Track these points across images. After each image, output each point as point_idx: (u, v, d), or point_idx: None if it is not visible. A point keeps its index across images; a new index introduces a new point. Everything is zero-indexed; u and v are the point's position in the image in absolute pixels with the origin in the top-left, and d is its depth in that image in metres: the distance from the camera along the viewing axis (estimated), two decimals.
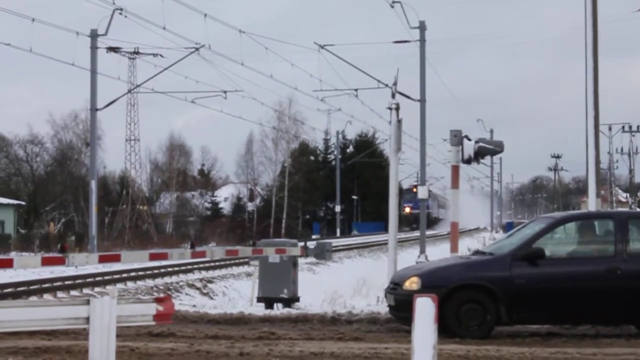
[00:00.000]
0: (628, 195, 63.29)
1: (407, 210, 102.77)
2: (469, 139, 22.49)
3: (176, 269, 31.31)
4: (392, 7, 34.34)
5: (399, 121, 20.79)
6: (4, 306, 11.95)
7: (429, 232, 67.39)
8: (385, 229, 70.20)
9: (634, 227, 16.87)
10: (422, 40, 34.71)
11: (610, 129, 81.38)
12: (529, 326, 15.95)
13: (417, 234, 55.23)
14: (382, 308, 18.25)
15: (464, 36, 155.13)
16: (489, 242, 25.71)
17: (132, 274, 29.84)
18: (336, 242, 45.12)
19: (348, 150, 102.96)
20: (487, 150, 24.82)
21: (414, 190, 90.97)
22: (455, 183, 24.42)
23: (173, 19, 38.11)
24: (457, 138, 22.93)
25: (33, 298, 21.27)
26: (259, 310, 20.32)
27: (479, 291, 15.26)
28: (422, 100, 34.28)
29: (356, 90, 42.47)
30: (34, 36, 35.22)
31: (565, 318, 15.63)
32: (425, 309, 9.11)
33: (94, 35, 42.55)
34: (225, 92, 45.77)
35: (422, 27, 34.73)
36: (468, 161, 22.98)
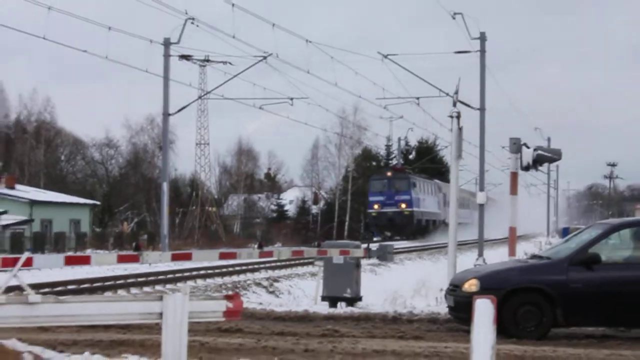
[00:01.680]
0: None
1: (376, 207, 74.94)
2: (528, 147, 22.42)
3: (244, 267, 31.40)
4: (454, 18, 34.36)
5: (460, 129, 20.74)
6: (81, 301, 11.95)
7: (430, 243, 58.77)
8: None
9: None
10: (483, 51, 34.47)
11: None
12: (585, 328, 15.59)
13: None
14: (442, 308, 18.05)
15: (526, 46, 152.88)
16: (546, 247, 25.60)
17: (202, 272, 29.99)
18: (397, 244, 45.20)
19: (410, 157, 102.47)
20: (545, 157, 24.71)
21: (388, 174, 74.69)
22: (514, 189, 24.28)
23: (242, 28, 38.33)
24: (516, 146, 22.88)
25: (108, 293, 21.39)
26: (323, 308, 20.20)
27: (536, 294, 15.07)
28: (482, 109, 34.03)
29: (418, 98, 42.23)
30: (110, 43, 35.67)
31: (620, 321, 15.32)
32: (484, 310, 9.01)
33: (167, 43, 42.76)
34: (291, 99, 45.68)
35: (482, 38, 34.45)
36: (526, 168, 22.89)
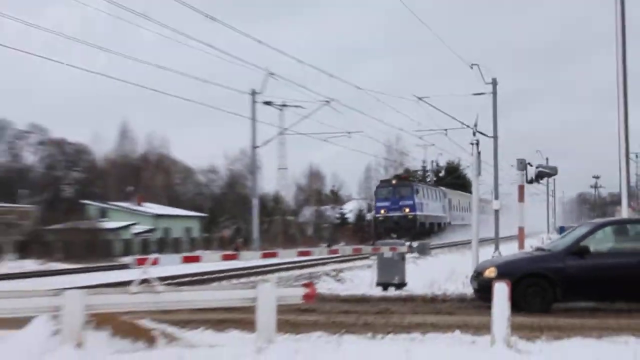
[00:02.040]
0: None
1: (382, 212, 67.07)
2: (531, 165, 22.98)
3: (316, 262, 31.97)
4: (472, 68, 35.01)
5: (479, 153, 21.47)
6: (195, 290, 12.89)
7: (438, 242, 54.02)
8: None
9: None
10: (495, 93, 34.77)
11: (637, 156, 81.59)
12: (579, 303, 15.97)
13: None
14: (468, 290, 18.26)
15: (530, 86, 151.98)
16: (547, 242, 25.55)
17: (284, 266, 30.51)
18: (433, 242, 45.18)
19: (440, 174, 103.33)
20: (545, 173, 25.49)
21: (393, 182, 66.79)
22: (521, 198, 24.77)
23: (311, 79, 39.39)
24: (522, 164, 23.74)
25: (214, 284, 21.72)
26: (377, 292, 20.33)
27: (540, 278, 15.60)
28: (495, 137, 34.30)
29: (446, 130, 42.54)
30: (207, 92, 36.66)
31: (606, 297, 15.75)
32: (501, 291, 10.04)
33: (253, 93, 44.81)
34: (349, 132, 47.26)
35: (494, 83, 34.84)
36: (530, 182, 23.49)
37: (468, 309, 15.92)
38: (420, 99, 36.85)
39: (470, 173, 27.21)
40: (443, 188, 78.93)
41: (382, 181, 68.87)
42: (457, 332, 11.51)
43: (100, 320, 9.85)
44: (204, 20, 27.11)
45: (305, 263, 31.42)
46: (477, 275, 16.60)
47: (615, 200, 25.11)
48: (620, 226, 17.62)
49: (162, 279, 16.34)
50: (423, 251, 24.11)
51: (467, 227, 65.35)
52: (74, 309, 9.36)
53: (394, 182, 65.34)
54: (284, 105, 46.34)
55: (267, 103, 45.21)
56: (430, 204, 68.68)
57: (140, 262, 12.52)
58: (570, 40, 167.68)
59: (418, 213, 62.71)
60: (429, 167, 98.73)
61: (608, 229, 17.04)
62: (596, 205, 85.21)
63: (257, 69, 35.54)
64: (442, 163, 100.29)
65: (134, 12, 26.16)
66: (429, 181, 76.83)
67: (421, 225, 64.13)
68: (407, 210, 62.16)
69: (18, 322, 9.70)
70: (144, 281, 10.78)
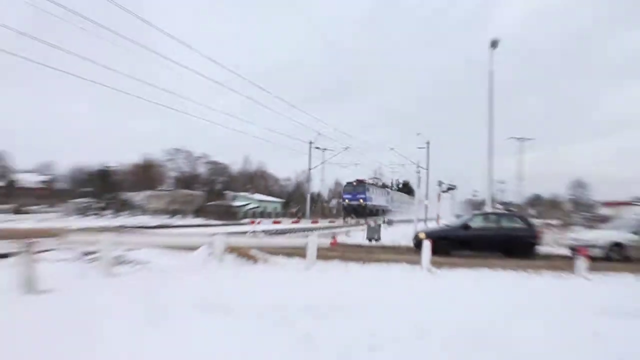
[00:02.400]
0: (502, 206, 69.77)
1: (347, 201, 71.42)
2: (443, 183, 28.21)
3: (337, 226, 31.94)
4: (417, 134, 41.18)
5: (419, 177, 27.28)
6: (278, 237, 15.29)
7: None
8: None
9: (503, 217, 20.81)
10: (428, 147, 39.69)
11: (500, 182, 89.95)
12: (463, 252, 18.57)
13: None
14: (411, 243, 20.51)
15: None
16: (449, 222, 29.43)
17: (321, 228, 30.65)
18: (394, 219, 48.89)
19: (400, 186, 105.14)
20: (450, 187, 30.99)
21: (354, 183, 70.73)
22: (438, 199, 29.91)
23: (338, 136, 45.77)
24: (440, 183, 29.47)
25: (287, 235, 22.90)
26: (366, 243, 23.42)
27: (446, 239, 18.77)
28: (427, 169, 39.51)
29: (403, 164, 57.35)
30: (289, 140, 43.07)
31: (477, 250, 18.79)
32: (427, 245, 12.75)
33: (310, 142, 58.44)
34: (356, 164, 63.93)
35: (428, 143, 40.40)
36: (443, 191, 28.50)
37: (411, 253, 18.00)
38: (392, 149, 44.53)
39: (415, 186, 32.70)
40: (388, 189, 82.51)
41: (347, 182, 73.09)
42: (404, 264, 13.85)
43: (231, 249, 12.78)
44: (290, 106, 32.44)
45: (332, 227, 32.04)
46: (416, 236, 19.93)
47: (484, 202, 29.43)
48: (485, 215, 20.91)
49: (263, 231, 19.06)
50: (390, 223, 28.18)
51: (400, 212, 76.97)
52: (219, 243, 12.27)
53: (354, 183, 69.76)
54: (325, 149, 59.01)
55: (317, 148, 57.91)
56: (377, 197, 73.59)
57: (252, 223, 16.76)
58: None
59: (368, 203, 67.61)
60: (393, 182, 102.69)
61: (479, 216, 20.57)
62: (474, 204, 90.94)
63: (313, 130, 42.77)
64: (401, 180, 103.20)
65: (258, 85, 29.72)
66: (381, 185, 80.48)
67: (370, 210, 67.54)
68: (361, 200, 67.17)
69: (193, 249, 12.88)
70: (253, 232, 14.81)
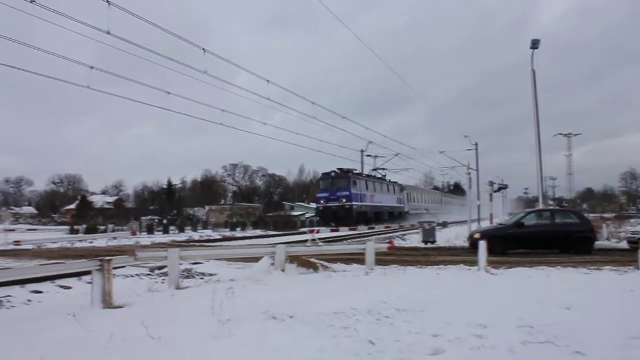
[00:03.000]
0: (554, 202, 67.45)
1: (322, 202, 48.26)
2: (495, 183, 27.77)
3: (393, 230, 33.07)
4: (465, 137, 41.01)
5: (470, 178, 27.32)
6: (336, 244, 15.47)
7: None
8: None
9: (557, 214, 20.57)
10: (477, 149, 39.07)
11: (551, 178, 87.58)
12: (519, 251, 18.39)
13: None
14: (466, 244, 21.14)
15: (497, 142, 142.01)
16: (503, 220, 28.97)
17: (378, 233, 31.35)
18: (450, 220, 44.73)
19: (451, 188, 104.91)
20: (502, 187, 30.15)
21: (332, 175, 48.48)
22: (490, 199, 29.18)
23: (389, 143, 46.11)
24: (491, 183, 28.31)
25: (345, 242, 23.22)
26: (422, 245, 23.50)
27: (501, 238, 18.40)
28: (477, 170, 38.74)
29: (454, 167, 49.09)
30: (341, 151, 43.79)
31: (532, 247, 18.60)
32: (482, 245, 12.52)
33: (362, 151, 56.64)
34: (407, 169, 59.49)
35: (477, 145, 39.49)
36: (495, 192, 28.03)
37: (467, 254, 17.98)
38: (441, 152, 43.39)
39: (466, 188, 32.09)
40: (399, 183, 61.03)
41: (323, 174, 52.66)
42: (462, 265, 14.06)
43: (292, 258, 12.86)
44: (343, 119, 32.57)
45: (388, 232, 32.65)
46: (471, 236, 19.90)
47: (536, 199, 28.82)
48: (538, 212, 20.63)
49: (322, 239, 18.93)
50: (445, 225, 28.19)
51: (421, 215, 56.98)
52: (281, 253, 12.52)
53: (332, 174, 49.09)
54: (376, 156, 57.73)
55: (368, 155, 56.95)
56: (378, 196, 53.18)
57: (311, 231, 16.87)
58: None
59: (356, 203, 46.28)
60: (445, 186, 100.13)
61: (532, 214, 20.23)
62: (526, 202, 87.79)
63: (363, 139, 42.62)
64: (452, 182, 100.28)
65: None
66: (387, 180, 58.41)
67: (361, 214, 46.37)
68: (344, 200, 46.22)
69: (257, 259, 13.08)
70: (313, 240, 14.85)
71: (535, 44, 25.35)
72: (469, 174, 29.66)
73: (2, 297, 9.99)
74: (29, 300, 9.92)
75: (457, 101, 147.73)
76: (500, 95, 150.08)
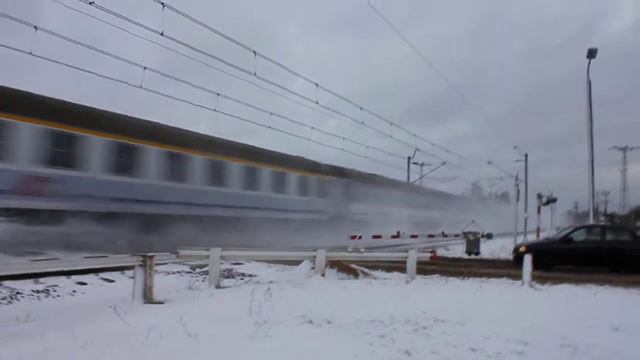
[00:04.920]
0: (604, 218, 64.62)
1: None
2: (543, 196, 27.22)
3: (435, 240, 32.74)
4: (514, 148, 40.24)
5: (518, 190, 27.72)
6: (378, 251, 15.00)
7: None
8: None
9: (609, 230, 19.84)
10: (526, 160, 38.63)
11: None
12: (566, 267, 17.78)
13: None
14: (510, 257, 20.01)
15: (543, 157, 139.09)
16: (550, 234, 28.38)
17: (421, 242, 30.87)
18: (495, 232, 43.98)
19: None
20: (550, 200, 29.35)
21: None
22: (538, 212, 28.83)
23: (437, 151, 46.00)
24: (539, 196, 27.90)
25: (387, 249, 23.53)
26: (465, 256, 23.34)
27: (547, 252, 18.01)
28: (526, 181, 38.49)
29: (502, 177, 47.39)
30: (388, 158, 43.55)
31: (580, 263, 18.00)
32: (527, 258, 12.34)
33: (409, 158, 54.18)
34: (454, 178, 58.94)
35: (526, 156, 39.24)
36: (543, 204, 27.51)
37: (510, 267, 17.71)
38: (489, 162, 42.73)
39: (513, 199, 31.38)
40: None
41: None
42: (505, 278, 13.91)
43: (332, 263, 12.93)
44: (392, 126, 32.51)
45: (431, 240, 30.81)
46: (516, 249, 19.44)
47: (586, 214, 28.13)
48: (588, 228, 20.11)
49: (363, 245, 19.07)
50: (489, 236, 27.74)
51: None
52: (321, 257, 12.52)
53: None
54: (422, 164, 56.42)
55: (415, 163, 55.66)
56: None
57: (352, 237, 16.86)
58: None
59: None
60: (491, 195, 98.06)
61: (582, 229, 19.75)
62: (576, 216, 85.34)
63: (410, 146, 41.89)
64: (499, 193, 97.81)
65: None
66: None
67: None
68: None
69: (297, 262, 13.15)
70: (354, 246, 14.85)
71: (592, 53, 24.80)
72: (517, 185, 29.02)
73: (50, 286, 10.40)
74: (74, 291, 10.31)
75: (510, 111, 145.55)
76: (554, 107, 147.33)
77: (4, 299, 9.27)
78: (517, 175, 31.30)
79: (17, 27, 14.33)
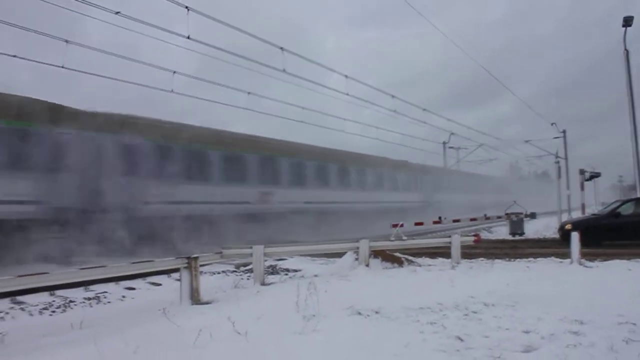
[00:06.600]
0: None
1: None
2: (586, 171, 26.37)
3: (478, 223, 32.94)
4: (552, 125, 38.66)
5: (559, 167, 27.81)
6: (421, 238, 15.25)
7: None
8: None
9: None
10: (565, 137, 37.30)
11: None
12: (615, 242, 17.53)
13: None
14: (556, 235, 20.64)
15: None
16: (596, 210, 27.75)
17: (463, 226, 30.80)
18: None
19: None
20: (594, 175, 28.31)
21: None
22: (582, 188, 27.83)
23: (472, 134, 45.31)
24: (582, 171, 26.91)
25: (429, 235, 21.49)
26: (509, 237, 23.15)
27: (595, 228, 17.78)
28: (566, 158, 36.73)
29: (541, 156, 45.93)
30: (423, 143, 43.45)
31: (629, 238, 17.54)
32: (574, 236, 12.24)
33: (444, 142, 53.52)
34: (491, 159, 56.01)
35: (564, 132, 37.73)
36: (586, 180, 26.65)
37: (557, 245, 17.66)
38: (527, 141, 41.62)
39: (554, 177, 30.56)
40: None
41: None
42: (552, 257, 13.74)
43: (376, 253, 12.86)
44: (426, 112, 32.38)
45: (473, 224, 30.66)
46: (561, 227, 19.19)
47: (632, 187, 27.34)
48: (636, 201, 19.44)
49: (405, 233, 18.36)
50: (533, 216, 27.25)
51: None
52: (364, 247, 12.53)
53: None
54: (459, 148, 54.41)
55: (450, 147, 54.06)
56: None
57: (394, 226, 16.81)
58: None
59: None
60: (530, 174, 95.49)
61: (629, 203, 19.17)
62: (622, 190, 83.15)
63: (447, 131, 41.70)
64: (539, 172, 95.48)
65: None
66: None
67: None
68: None
69: (340, 254, 13.15)
70: (396, 234, 14.80)
71: (627, 22, 24.11)
72: (557, 162, 28.41)
73: (99, 293, 10.66)
74: (123, 296, 10.53)
75: (547, 89, 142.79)
76: (594, 82, 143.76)
77: (58, 307, 9.59)
78: (557, 153, 30.56)
79: (54, 43, 14.61)
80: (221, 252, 10.85)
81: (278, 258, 15.27)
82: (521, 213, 24.93)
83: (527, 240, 21.43)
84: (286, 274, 12.94)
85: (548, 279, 9.92)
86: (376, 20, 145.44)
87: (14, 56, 14.82)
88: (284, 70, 19.58)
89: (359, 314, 7.08)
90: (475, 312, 7.02)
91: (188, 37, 16.09)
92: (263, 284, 10.84)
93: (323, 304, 7.26)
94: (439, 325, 6.32)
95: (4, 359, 5.65)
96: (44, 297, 10.28)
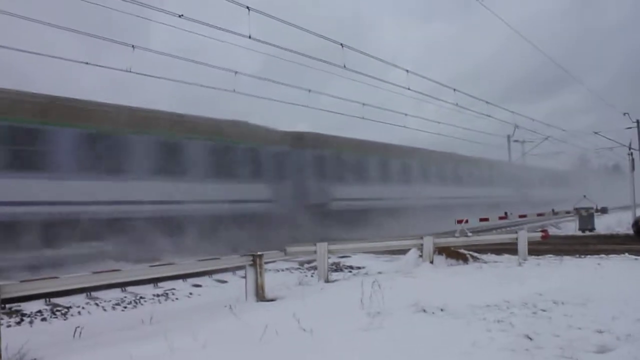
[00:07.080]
0: None
1: None
2: None
3: (545, 219, 31.81)
4: (624, 115, 36.70)
5: (633, 159, 25.86)
6: (486, 234, 14.63)
7: None
8: None
9: None
10: (638, 127, 35.74)
11: None
12: None
13: None
14: (630, 231, 20.01)
15: None
16: None
17: (530, 221, 30.32)
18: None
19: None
20: None
21: None
22: None
23: (537, 126, 43.83)
24: None
25: (494, 231, 21.11)
26: (579, 233, 22.50)
27: None
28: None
29: (611, 148, 44.02)
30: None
31: None
32: None
33: (508, 138, 52.20)
34: (557, 153, 54.71)
35: (638, 122, 36.16)
36: None
37: (630, 241, 17.20)
38: (596, 132, 39.48)
39: (627, 170, 29.10)
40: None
41: None
42: (626, 254, 13.25)
43: (440, 249, 12.69)
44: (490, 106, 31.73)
45: (541, 219, 31.40)
46: (636, 222, 18.68)
47: None
48: None
49: (469, 229, 19.07)
50: (604, 211, 26.26)
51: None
52: (429, 244, 12.38)
53: None
54: (524, 141, 53.24)
55: (515, 141, 53.16)
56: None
57: (459, 222, 16.62)
58: None
59: None
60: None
61: None
62: None
63: (509, 124, 40.75)
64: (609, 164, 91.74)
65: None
66: None
67: None
68: None
69: (404, 251, 13.05)
70: (461, 230, 14.59)
71: None
72: (631, 154, 26.98)
73: (168, 290, 10.96)
74: (190, 293, 10.82)
75: (621, 79, 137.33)
76: None
77: (129, 303, 9.97)
78: (630, 144, 28.87)
79: (120, 48, 15.13)
80: (285, 250, 10.95)
81: (342, 255, 15.28)
82: (591, 208, 24.10)
83: (597, 236, 20.72)
84: (350, 271, 12.99)
85: (622, 276, 9.61)
86: (439, 13, 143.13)
87: (87, 63, 15.38)
88: (344, 67, 19.55)
89: (424, 311, 7.03)
90: (544, 310, 6.85)
91: (249, 37, 16.28)
92: (327, 281, 10.88)
93: (387, 301, 7.26)
94: (506, 324, 6.20)
95: (82, 352, 5.85)
96: (116, 293, 10.74)
